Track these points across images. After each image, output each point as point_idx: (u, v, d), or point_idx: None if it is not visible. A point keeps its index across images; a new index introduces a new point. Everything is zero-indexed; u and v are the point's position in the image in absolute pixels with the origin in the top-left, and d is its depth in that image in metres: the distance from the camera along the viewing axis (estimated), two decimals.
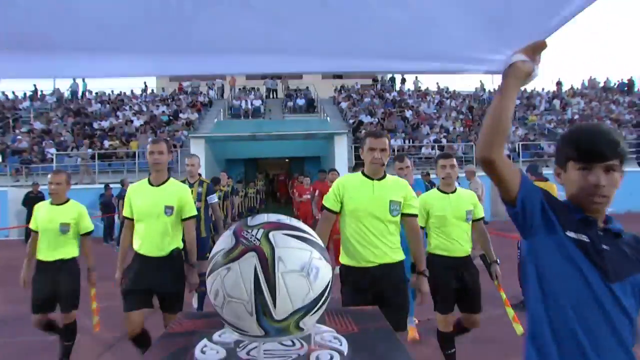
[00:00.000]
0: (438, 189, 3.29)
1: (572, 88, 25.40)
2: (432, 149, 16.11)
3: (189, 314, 1.43)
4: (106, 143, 16.51)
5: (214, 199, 4.91)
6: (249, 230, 0.94)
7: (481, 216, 3.28)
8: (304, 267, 0.90)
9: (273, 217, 0.98)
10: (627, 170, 1.17)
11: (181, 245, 3.16)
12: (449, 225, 3.14)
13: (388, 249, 2.51)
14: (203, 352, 1.07)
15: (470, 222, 3.19)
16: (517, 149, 16.08)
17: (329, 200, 2.63)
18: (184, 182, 4.92)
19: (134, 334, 2.98)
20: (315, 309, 0.94)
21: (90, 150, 15.91)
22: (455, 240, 3.13)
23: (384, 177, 2.61)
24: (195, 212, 3.22)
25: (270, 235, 0.92)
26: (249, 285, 0.88)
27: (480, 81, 27.03)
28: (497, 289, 3.38)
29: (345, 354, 1.03)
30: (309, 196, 8.33)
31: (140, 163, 14.61)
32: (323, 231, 2.56)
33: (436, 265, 3.07)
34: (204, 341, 1.12)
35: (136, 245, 3.07)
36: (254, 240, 0.91)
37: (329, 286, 1.00)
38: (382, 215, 2.50)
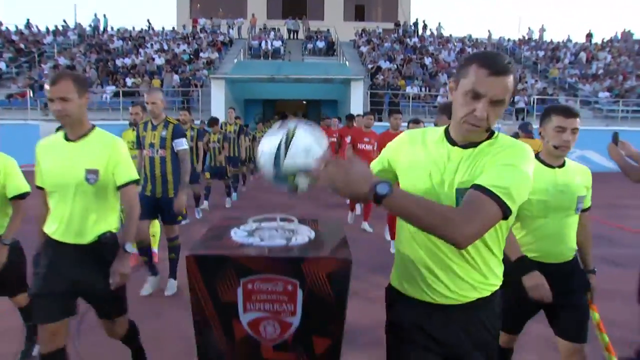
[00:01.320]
0: (538, 157, 2.13)
1: (607, 41, 24.42)
2: (447, 98, 16.27)
3: (226, 217, 2.12)
4: (129, 81, 17.09)
5: (182, 144, 3.92)
6: (289, 123, 1.58)
7: (589, 205, 2.23)
8: (306, 148, 1.53)
9: (305, 122, 1.63)
10: None
11: (115, 227, 2.27)
12: (549, 216, 2.07)
13: (469, 276, 1.36)
14: (235, 232, 1.75)
15: (579, 212, 2.15)
16: (532, 102, 16.11)
17: (375, 161, 1.63)
18: (146, 123, 4.03)
19: (49, 351, 2.07)
20: (306, 173, 1.56)
21: (114, 87, 16.58)
22: (554, 238, 2.09)
23: (480, 142, 1.35)
24: (136, 176, 2.28)
25: (297, 127, 1.57)
26: (275, 145, 1.52)
27: (489, 31, 26.09)
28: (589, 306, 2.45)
29: (313, 237, 1.77)
30: (334, 139, 7.66)
31: None
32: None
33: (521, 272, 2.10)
34: (235, 228, 1.80)
35: (49, 228, 2.19)
36: (288, 128, 1.56)
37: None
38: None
